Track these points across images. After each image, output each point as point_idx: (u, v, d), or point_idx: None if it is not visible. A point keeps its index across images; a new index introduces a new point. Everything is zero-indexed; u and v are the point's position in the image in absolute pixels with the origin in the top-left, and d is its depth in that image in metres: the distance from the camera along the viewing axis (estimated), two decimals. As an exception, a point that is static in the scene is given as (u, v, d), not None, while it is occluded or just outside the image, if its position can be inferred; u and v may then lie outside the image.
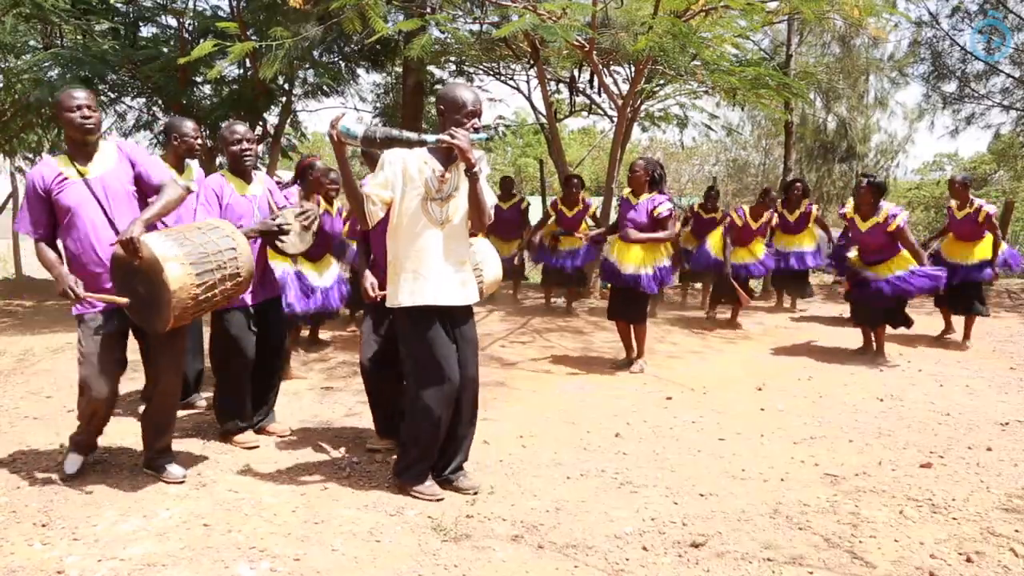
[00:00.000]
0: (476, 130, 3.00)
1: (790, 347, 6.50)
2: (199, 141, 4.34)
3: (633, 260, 5.39)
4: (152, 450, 3.39)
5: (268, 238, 3.72)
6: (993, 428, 4.26)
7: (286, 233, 3.69)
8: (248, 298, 3.76)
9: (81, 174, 3.10)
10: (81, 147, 3.14)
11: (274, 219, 3.70)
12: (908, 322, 5.87)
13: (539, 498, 3.19)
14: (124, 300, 3.00)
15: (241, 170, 3.83)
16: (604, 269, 5.70)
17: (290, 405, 4.55)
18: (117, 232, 3.06)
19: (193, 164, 4.43)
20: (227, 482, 3.32)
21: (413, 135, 2.86)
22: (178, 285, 2.86)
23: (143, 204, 3.20)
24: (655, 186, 5.43)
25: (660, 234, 5.33)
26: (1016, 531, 2.91)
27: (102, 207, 3.11)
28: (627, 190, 5.61)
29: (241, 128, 3.83)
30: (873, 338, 5.98)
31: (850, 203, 5.88)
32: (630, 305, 5.49)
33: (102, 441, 3.87)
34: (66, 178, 3.09)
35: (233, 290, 3.14)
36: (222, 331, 3.77)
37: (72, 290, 2.97)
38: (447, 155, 3.04)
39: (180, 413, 4.37)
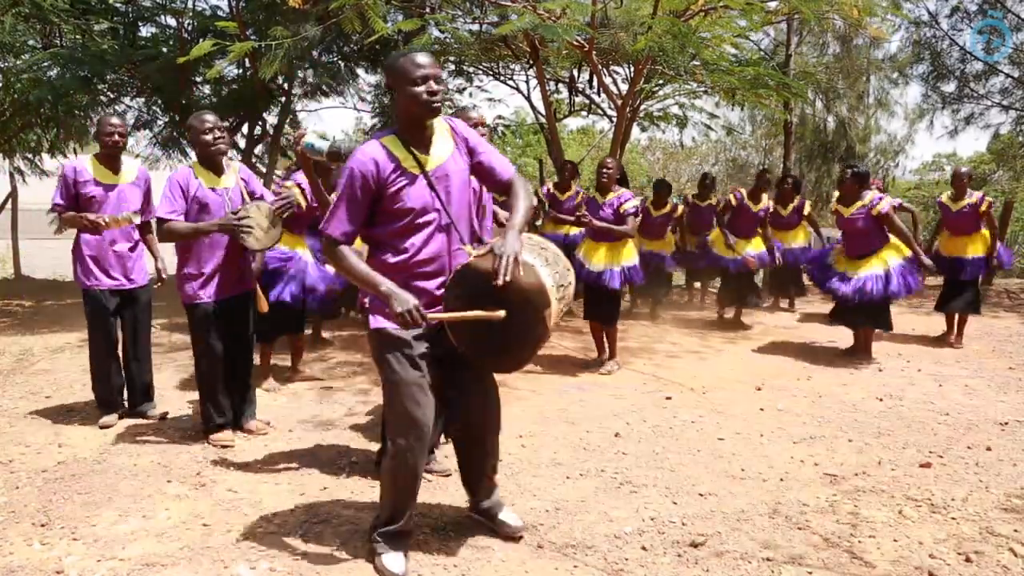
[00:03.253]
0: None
1: (790, 347, 6.50)
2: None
3: (600, 259, 5.54)
4: (478, 498, 2.84)
5: (231, 233, 3.64)
6: (992, 428, 4.26)
7: (247, 231, 3.59)
8: (212, 295, 3.72)
9: (421, 165, 2.45)
10: (420, 130, 2.48)
11: (235, 214, 3.63)
12: (888, 326, 5.91)
13: (539, 498, 3.19)
14: (499, 314, 2.30)
15: (212, 162, 3.76)
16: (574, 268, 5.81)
17: (290, 405, 4.54)
18: (459, 237, 2.50)
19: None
20: (226, 482, 3.32)
21: None
22: (552, 323, 2.32)
23: (476, 200, 2.68)
24: (621, 185, 5.63)
25: (620, 228, 5.43)
26: (1015, 531, 2.92)
27: (441, 206, 2.46)
28: (587, 189, 5.78)
29: (211, 117, 3.74)
30: (862, 337, 6.01)
31: (836, 197, 5.94)
32: (601, 306, 5.60)
33: (102, 440, 3.87)
34: (404, 170, 2.42)
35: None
36: (194, 325, 3.77)
37: (417, 312, 2.27)
38: None
39: (156, 413, 4.37)
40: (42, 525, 2.87)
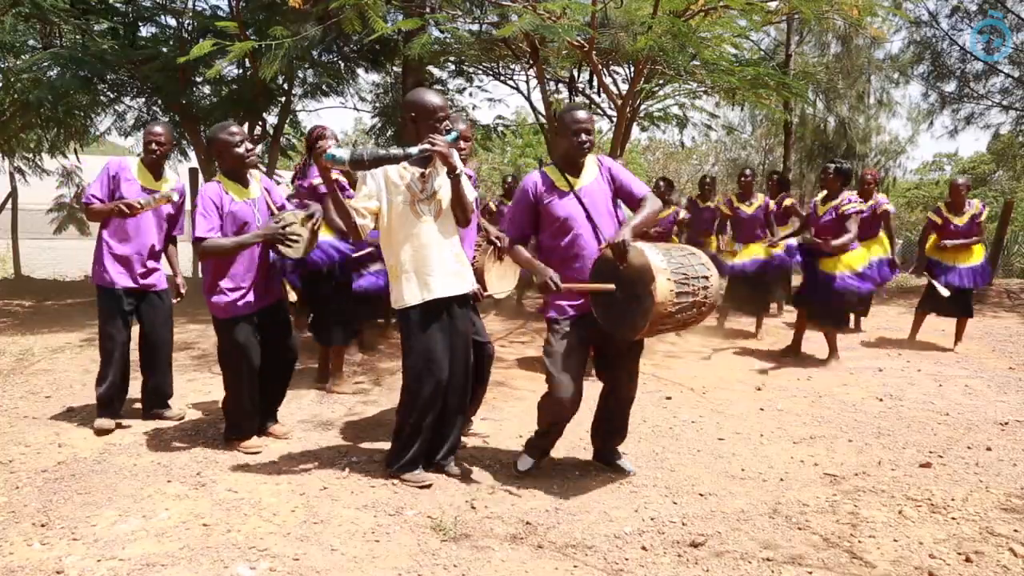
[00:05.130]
0: (448, 131, 3.21)
1: (789, 347, 6.49)
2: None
3: None
4: (605, 448, 3.63)
5: (272, 243, 3.62)
6: (992, 428, 4.26)
7: (293, 240, 3.60)
8: (247, 307, 3.64)
9: (571, 186, 3.27)
10: (574, 163, 3.29)
11: (278, 223, 3.60)
12: (835, 326, 5.91)
13: (538, 498, 3.20)
14: (609, 287, 3.02)
15: (239, 174, 3.70)
16: None
17: (290, 405, 4.54)
18: (599, 240, 3.21)
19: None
20: (227, 482, 3.32)
21: (399, 151, 3.03)
22: (662, 298, 2.84)
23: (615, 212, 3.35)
24: None
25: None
26: (1015, 531, 2.91)
27: (588, 216, 3.24)
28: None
29: (237, 128, 3.68)
30: (825, 340, 5.98)
31: (821, 194, 5.92)
32: None
33: (102, 440, 3.88)
34: (557, 189, 3.27)
35: (693, 318, 3.05)
36: (230, 340, 3.65)
37: (552, 281, 3.09)
38: (423, 158, 3.18)
39: (169, 416, 4.37)
40: (42, 525, 2.87)
